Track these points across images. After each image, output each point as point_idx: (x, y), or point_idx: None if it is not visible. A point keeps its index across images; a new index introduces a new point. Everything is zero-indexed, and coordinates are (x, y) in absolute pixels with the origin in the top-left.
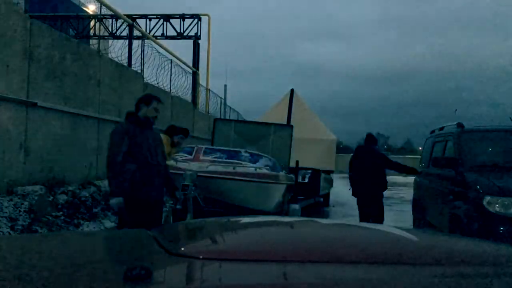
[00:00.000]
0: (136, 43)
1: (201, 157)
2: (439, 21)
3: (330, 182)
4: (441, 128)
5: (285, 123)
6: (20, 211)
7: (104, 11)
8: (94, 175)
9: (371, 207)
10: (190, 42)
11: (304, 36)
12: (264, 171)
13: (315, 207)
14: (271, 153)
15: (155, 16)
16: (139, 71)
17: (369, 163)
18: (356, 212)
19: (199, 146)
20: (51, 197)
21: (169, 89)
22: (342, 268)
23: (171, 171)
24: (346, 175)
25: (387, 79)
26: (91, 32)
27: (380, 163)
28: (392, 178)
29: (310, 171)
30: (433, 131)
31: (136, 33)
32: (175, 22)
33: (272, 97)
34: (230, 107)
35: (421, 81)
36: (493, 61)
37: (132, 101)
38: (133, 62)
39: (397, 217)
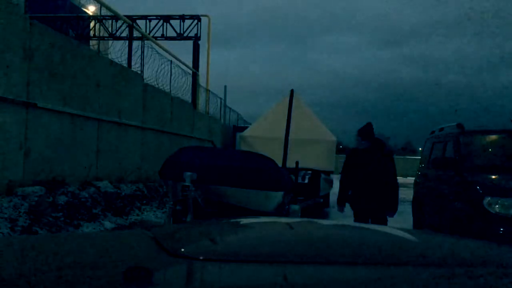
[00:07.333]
0: (136, 44)
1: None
2: (439, 22)
3: (330, 183)
4: (441, 129)
5: (286, 123)
6: (20, 212)
7: (104, 12)
8: (94, 175)
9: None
10: (190, 43)
11: (305, 36)
12: None
13: (315, 208)
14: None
15: (155, 17)
16: (139, 72)
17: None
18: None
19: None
20: (51, 198)
21: (169, 90)
22: (342, 268)
23: None
24: None
25: (387, 79)
26: (91, 33)
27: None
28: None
29: (310, 172)
30: (433, 132)
31: (136, 34)
32: (175, 23)
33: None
34: (230, 108)
35: (422, 81)
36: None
37: (132, 102)
38: (133, 63)
39: (397, 217)
